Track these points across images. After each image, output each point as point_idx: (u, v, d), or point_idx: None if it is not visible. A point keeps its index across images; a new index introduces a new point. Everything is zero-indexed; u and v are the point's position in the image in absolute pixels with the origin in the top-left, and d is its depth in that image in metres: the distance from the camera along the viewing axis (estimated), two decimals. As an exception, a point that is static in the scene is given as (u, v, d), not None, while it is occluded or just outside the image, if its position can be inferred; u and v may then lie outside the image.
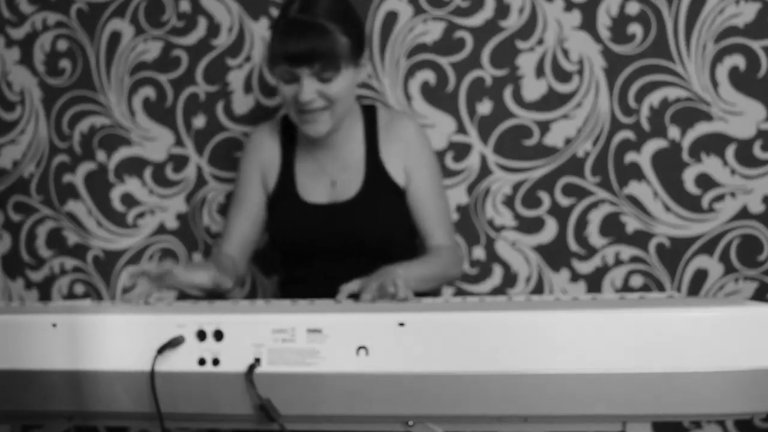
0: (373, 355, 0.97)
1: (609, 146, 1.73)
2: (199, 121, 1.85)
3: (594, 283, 1.74)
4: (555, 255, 1.75)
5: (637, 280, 1.73)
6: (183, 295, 1.38)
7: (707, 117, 1.69)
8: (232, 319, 1.01)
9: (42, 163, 1.92)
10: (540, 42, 1.73)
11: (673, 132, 1.71)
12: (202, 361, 1.01)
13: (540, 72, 1.74)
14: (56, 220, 1.91)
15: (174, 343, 1.02)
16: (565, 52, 1.73)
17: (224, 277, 1.32)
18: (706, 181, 1.70)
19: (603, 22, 1.71)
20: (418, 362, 0.97)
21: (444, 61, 1.76)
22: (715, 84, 1.69)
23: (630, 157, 1.72)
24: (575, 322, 0.95)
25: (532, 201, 1.75)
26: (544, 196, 1.75)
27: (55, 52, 1.90)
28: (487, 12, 1.75)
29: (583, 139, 1.73)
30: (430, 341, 0.96)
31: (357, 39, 1.48)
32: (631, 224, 1.73)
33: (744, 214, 1.69)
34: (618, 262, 1.74)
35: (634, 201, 1.72)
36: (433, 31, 1.76)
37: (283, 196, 1.58)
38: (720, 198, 1.70)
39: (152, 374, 1.00)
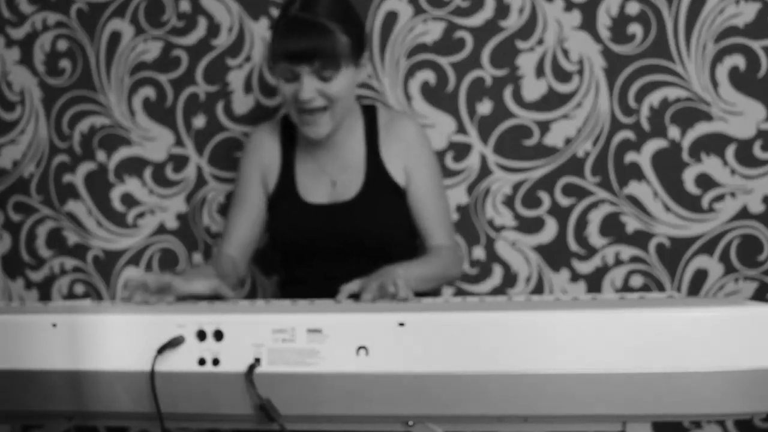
0: (373, 355, 0.97)
1: (609, 146, 1.73)
2: (199, 121, 1.85)
3: (594, 283, 1.74)
4: (555, 255, 1.75)
5: (637, 280, 1.73)
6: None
7: (707, 117, 1.69)
8: (232, 319, 1.01)
9: (42, 163, 1.92)
10: (540, 42, 1.73)
11: (673, 132, 1.71)
12: (202, 361, 1.01)
13: (540, 72, 1.74)
14: (56, 220, 1.91)
15: (174, 343, 1.02)
16: (565, 52, 1.73)
17: (224, 286, 1.32)
18: (706, 181, 1.70)
19: (603, 22, 1.71)
20: (418, 362, 0.96)
21: (444, 61, 1.76)
22: (715, 84, 1.69)
23: (630, 157, 1.72)
24: (575, 322, 0.95)
25: (532, 201, 1.75)
26: (544, 196, 1.75)
27: (55, 52, 1.90)
28: (487, 12, 1.75)
29: (583, 139, 1.73)
30: (430, 341, 0.96)
31: (357, 38, 1.48)
32: (631, 224, 1.73)
33: (744, 214, 1.69)
34: (618, 262, 1.74)
35: (634, 201, 1.72)
36: (433, 31, 1.76)
37: (284, 196, 1.58)
38: (720, 198, 1.70)
39: (152, 374, 1.00)
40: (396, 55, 1.78)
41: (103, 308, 1.14)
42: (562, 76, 1.73)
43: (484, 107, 1.76)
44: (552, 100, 1.74)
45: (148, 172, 1.88)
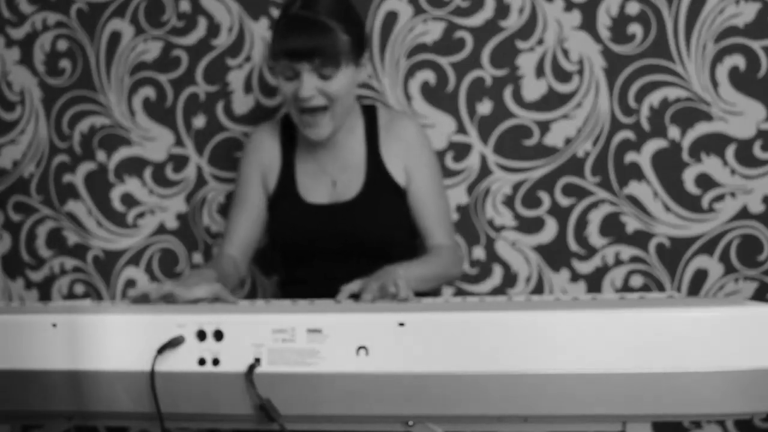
0: (373, 355, 0.97)
1: (609, 146, 1.73)
2: (199, 121, 1.85)
3: (594, 283, 1.74)
4: (555, 255, 1.75)
5: (637, 280, 1.73)
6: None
7: (707, 117, 1.69)
8: (232, 319, 1.01)
9: (42, 163, 1.92)
10: (540, 42, 1.73)
11: (673, 132, 1.71)
12: (202, 361, 1.01)
13: (540, 72, 1.74)
14: (56, 220, 1.91)
15: (174, 343, 1.02)
16: (565, 52, 1.73)
17: (226, 291, 1.31)
18: (706, 181, 1.70)
19: (603, 22, 1.71)
20: (418, 362, 0.96)
21: (444, 61, 1.76)
22: (715, 84, 1.69)
23: (630, 157, 1.72)
24: (575, 322, 0.95)
25: (532, 201, 1.75)
26: (544, 196, 1.75)
27: (55, 52, 1.90)
28: (487, 12, 1.75)
29: (583, 139, 1.73)
30: (430, 341, 0.96)
31: (358, 38, 1.49)
32: (631, 224, 1.73)
33: (744, 214, 1.69)
34: (618, 262, 1.74)
35: (634, 201, 1.72)
36: (433, 31, 1.76)
37: (284, 197, 1.58)
38: (720, 198, 1.70)
39: (152, 374, 1.00)
40: (396, 55, 1.78)
41: (103, 308, 1.14)
42: (562, 76, 1.73)
43: (484, 107, 1.76)
44: (552, 100, 1.74)
45: (148, 172, 1.88)
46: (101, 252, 1.90)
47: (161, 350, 1.01)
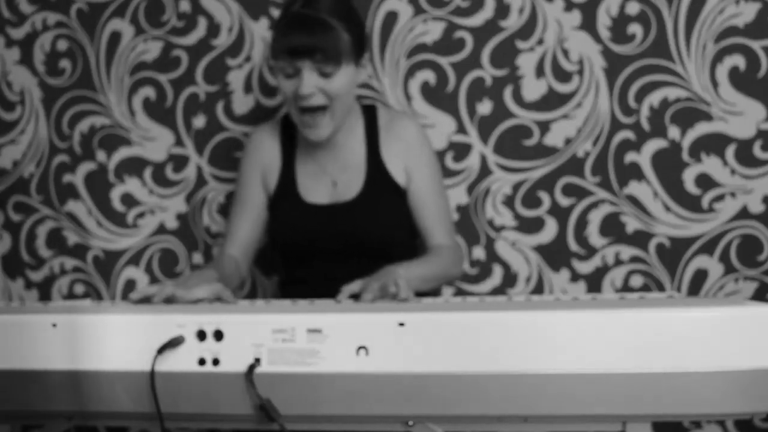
0: (373, 355, 0.97)
1: (609, 146, 1.73)
2: (199, 121, 1.85)
3: (594, 283, 1.74)
4: (555, 255, 1.75)
5: (637, 280, 1.73)
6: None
7: (707, 117, 1.69)
8: (232, 319, 1.01)
9: (42, 163, 1.92)
10: (540, 42, 1.73)
11: (673, 132, 1.71)
12: (202, 361, 1.01)
13: (540, 72, 1.74)
14: (56, 220, 1.91)
15: (174, 343, 1.02)
16: (565, 52, 1.73)
17: (226, 291, 1.32)
18: (706, 181, 1.70)
19: (603, 22, 1.71)
20: (418, 362, 0.96)
21: (444, 61, 1.76)
22: (715, 84, 1.69)
23: (630, 157, 1.72)
24: (575, 322, 0.95)
25: (532, 201, 1.75)
26: (544, 196, 1.75)
27: (55, 52, 1.90)
28: (487, 12, 1.75)
29: (583, 139, 1.73)
30: (430, 341, 0.96)
31: (358, 37, 1.49)
32: (631, 224, 1.73)
33: (744, 214, 1.69)
34: (618, 262, 1.74)
35: (634, 201, 1.72)
36: (433, 31, 1.76)
37: (284, 197, 1.58)
38: (720, 198, 1.70)
39: (152, 374, 1.00)
40: (396, 55, 1.78)
41: (103, 308, 1.14)
42: (562, 76, 1.73)
43: (484, 107, 1.76)
44: (552, 100, 1.74)
45: (148, 172, 1.88)
46: (101, 252, 1.90)
47: (161, 350, 1.01)
